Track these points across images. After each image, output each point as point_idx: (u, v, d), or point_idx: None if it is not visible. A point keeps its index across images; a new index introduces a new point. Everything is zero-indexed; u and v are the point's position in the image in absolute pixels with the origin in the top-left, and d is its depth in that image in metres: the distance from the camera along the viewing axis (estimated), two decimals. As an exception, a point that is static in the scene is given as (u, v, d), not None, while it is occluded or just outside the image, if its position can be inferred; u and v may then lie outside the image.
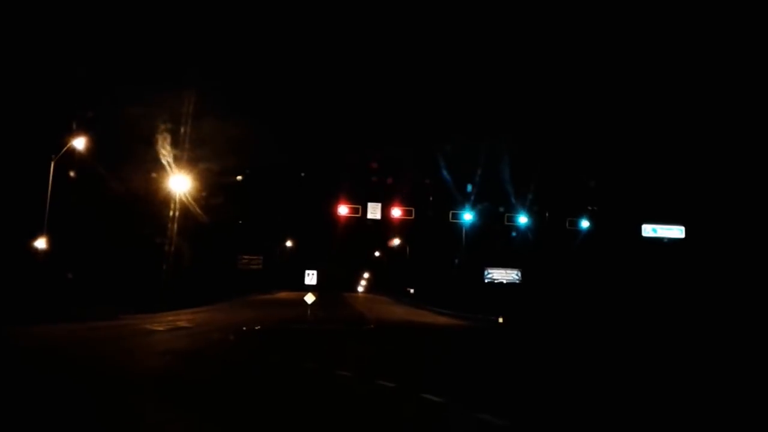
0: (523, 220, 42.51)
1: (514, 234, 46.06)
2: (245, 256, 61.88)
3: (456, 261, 54.64)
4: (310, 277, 40.79)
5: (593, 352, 21.75)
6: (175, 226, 41.07)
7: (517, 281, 55.34)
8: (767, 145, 41.14)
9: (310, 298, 33.83)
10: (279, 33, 57.87)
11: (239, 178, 45.07)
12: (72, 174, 31.49)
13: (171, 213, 40.44)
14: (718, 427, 9.25)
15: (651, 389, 12.71)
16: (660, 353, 21.87)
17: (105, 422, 8.21)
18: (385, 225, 47.34)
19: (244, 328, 25.29)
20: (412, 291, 71.90)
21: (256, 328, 26.08)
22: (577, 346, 23.99)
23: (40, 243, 28.43)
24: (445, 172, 50.78)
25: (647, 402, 11.12)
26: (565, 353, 21.39)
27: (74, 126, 29.89)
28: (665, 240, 42.84)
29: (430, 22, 62.48)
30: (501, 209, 43.61)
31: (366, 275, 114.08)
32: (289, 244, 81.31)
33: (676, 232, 42.72)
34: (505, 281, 55.14)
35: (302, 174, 44.15)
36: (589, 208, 43.60)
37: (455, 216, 42.33)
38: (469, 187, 46.74)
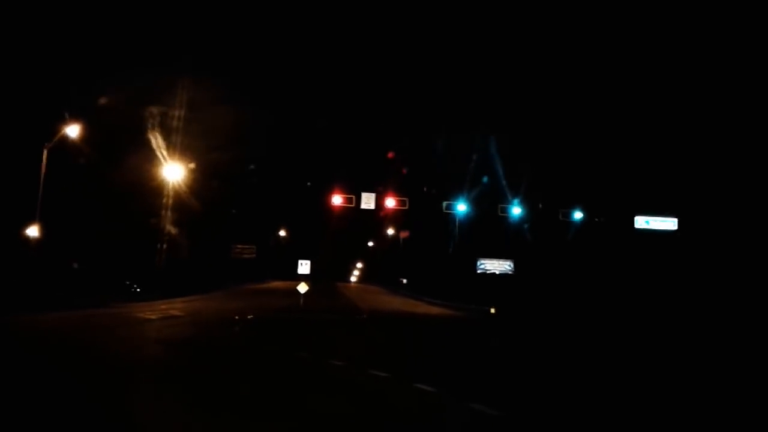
0: (516, 211, 42.53)
1: (507, 225, 46.12)
2: (238, 245, 61.82)
3: (449, 251, 54.76)
4: (303, 267, 40.99)
5: (585, 343, 21.86)
6: (169, 213, 40.94)
7: (510, 272, 55.54)
8: (758, 137, 41.30)
9: (303, 287, 33.89)
10: (275, 17, 57.52)
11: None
12: (65, 161, 31.26)
13: (164, 201, 40.30)
14: (708, 416, 9.31)
15: (643, 379, 12.78)
16: (652, 344, 22.01)
17: (98, 411, 8.18)
18: (379, 215, 47.34)
19: (237, 317, 25.28)
20: (405, 281, 72.02)
21: (249, 317, 26.08)
22: (569, 337, 24.12)
23: (33, 231, 28.27)
24: (439, 163, 50.81)
25: (639, 391, 11.19)
26: (557, 344, 21.50)
27: (67, 113, 29.60)
28: (658, 232, 43.02)
29: (428, 15, 62.24)
30: (495, 200, 43.63)
31: (359, 265, 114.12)
32: (282, 233, 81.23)
33: (669, 223, 42.88)
34: (498, 272, 55.33)
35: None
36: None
37: (449, 206, 42.33)
38: (464, 178, 46.75)
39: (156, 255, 40.79)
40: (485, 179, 46.56)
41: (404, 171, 50.89)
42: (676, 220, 42.76)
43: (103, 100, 32.89)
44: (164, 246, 41.46)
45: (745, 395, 11.34)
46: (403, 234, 71.91)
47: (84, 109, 31.30)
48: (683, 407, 10.01)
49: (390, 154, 52.76)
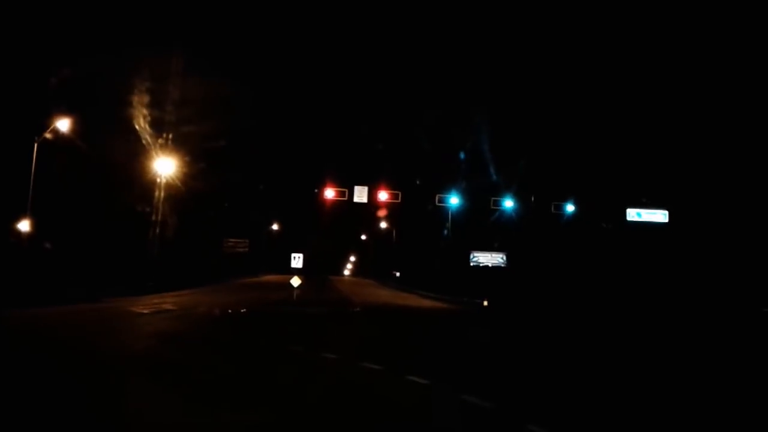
0: (509, 204, 42.67)
1: (500, 218, 46.27)
2: (231, 239, 61.77)
3: (442, 244, 54.85)
4: (296, 261, 40.91)
5: (577, 335, 21.98)
6: (161, 208, 40.79)
7: (503, 265, 55.70)
8: (748, 130, 41.53)
9: (296, 281, 33.88)
10: (263, 8, 57.21)
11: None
12: (56, 155, 31.03)
13: (156, 196, 40.13)
14: (699, 407, 9.39)
15: (634, 369, 12.87)
16: (643, 335, 22.15)
17: (89, 405, 8.17)
18: (371, 208, 47.37)
19: (230, 311, 25.25)
20: (398, 274, 72.14)
21: (242, 311, 26.05)
22: (561, 329, 24.23)
23: (24, 225, 28.11)
24: (431, 156, 50.83)
25: (630, 381, 11.27)
26: (550, 336, 21.60)
27: (57, 101, 29.35)
28: (650, 224, 43.26)
29: (419, 4, 62.10)
30: (487, 193, 43.73)
31: (352, 258, 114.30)
32: (275, 227, 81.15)
33: (660, 216, 43.13)
34: (490, 264, 55.49)
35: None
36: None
37: (441, 199, 42.39)
38: (457, 172, 46.84)
39: (148, 248, 40.65)
40: (478, 172, 46.57)
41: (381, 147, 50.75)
42: (667, 212, 43.02)
43: (92, 85, 32.61)
44: (156, 240, 41.32)
45: (734, 384, 11.45)
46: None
47: (71, 97, 31.05)
48: (673, 396, 10.09)
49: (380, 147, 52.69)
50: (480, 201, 43.90)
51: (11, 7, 31.09)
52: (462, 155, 48.57)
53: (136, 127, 36.65)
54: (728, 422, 8.68)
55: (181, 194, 41.68)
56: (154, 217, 40.86)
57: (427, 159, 50.84)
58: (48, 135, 28.88)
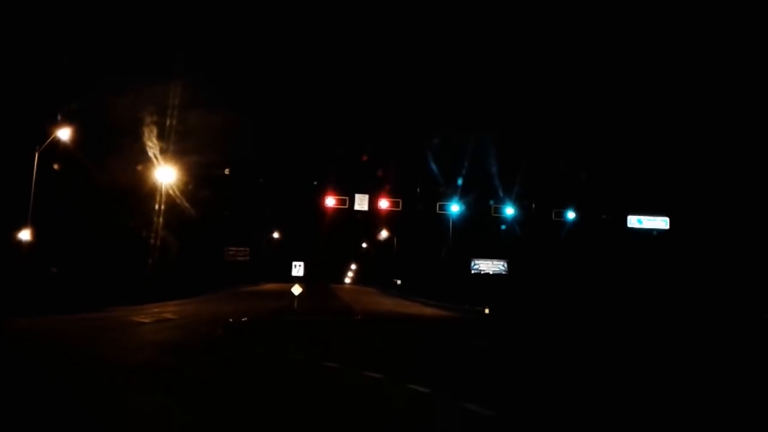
0: (509, 211, 42.64)
1: (500, 225, 46.22)
2: (232, 248, 61.64)
3: (443, 252, 54.78)
4: (297, 269, 40.87)
5: (578, 342, 21.93)
6: (161, 217, 40.80)
7: (504, 272, 55.61)
8: (748, 137, 41.59)
9: (297, 289, 33.87)
10: (268, 22, 57.45)
11: (227, 171, 44.54)
12: (57, 165, 31.12)
13: (157, 204, 40.15)
14: (701, 414, 9.36)
15: (636, 376, 12.83)
16: (645, 341, 22.10)
17: (90, 414, 8.16)
18: (372, 216, 47.34)
19: (231, 320, 25.23)
20: (399, 282, 72.03)
21: (243, 319, 26.03)
22: (562, 337, 24.19)
23: (25, 235, 28.14)
24: (432, 164, 50.81)
25: (632, 389, 11.23)
26: (550, 343, 21.55)
27: (59, 117, 29.51)
28: (651, 231, 43.22)
29: (420, 17, 62.37)
30: (488, 200, 43.70)
31: (353, 267, 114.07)
32: (276, 235, 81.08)
33: (661, 223, 43.10)
34: (491, 272, 55.39)
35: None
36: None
37: (442, 207, 42.38)
38: (457, 179, 46.80)
39: (149, 258, 40.65)
40: (478, 180, 46.51)
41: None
42: (668, 219, 42.99)
43: (94, 103, 32.84)
44: (157, 249, 41.32)
45: (736, 391, 11.41)
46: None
47: (76, 111, 31.22)
48: (676, 404, 10.06)
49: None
50: (481, 208, 43.89)
51: (21, 21, 31.35)
52: (463, 163, 48.57)
53: (139, 135, 36.81)
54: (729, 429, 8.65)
55: (181, 203, 41.70)
56: (155, 227, 40.88)
57: (428, 167, 50.86)
58: (51, 144, 28.94)
